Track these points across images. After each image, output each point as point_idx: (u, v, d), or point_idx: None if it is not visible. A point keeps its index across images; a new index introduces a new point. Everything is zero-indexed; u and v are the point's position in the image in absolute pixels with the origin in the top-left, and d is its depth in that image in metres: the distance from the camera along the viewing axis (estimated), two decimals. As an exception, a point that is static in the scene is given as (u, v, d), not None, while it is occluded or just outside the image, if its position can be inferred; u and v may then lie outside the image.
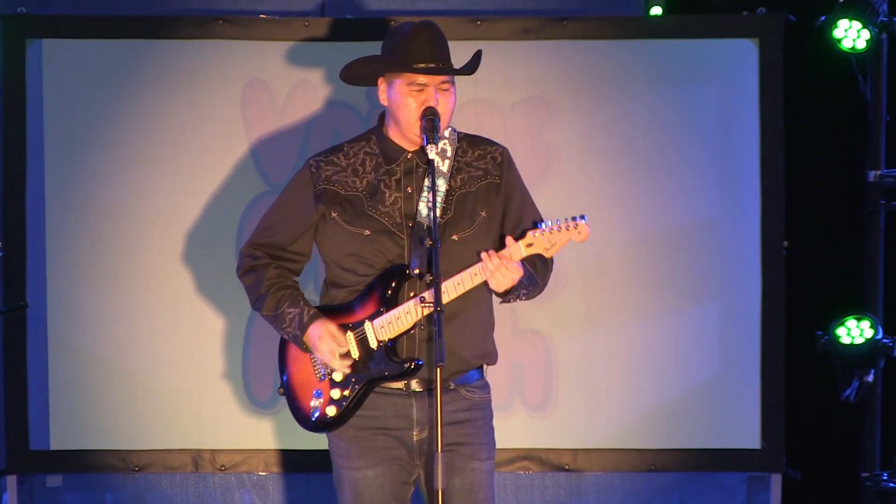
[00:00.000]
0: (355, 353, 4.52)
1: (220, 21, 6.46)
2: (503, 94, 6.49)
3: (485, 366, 4.67)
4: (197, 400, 6.48)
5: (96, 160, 6.45)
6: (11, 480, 6.47)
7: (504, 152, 4.65)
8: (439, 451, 4.25)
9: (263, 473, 6.55)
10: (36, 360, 6.45)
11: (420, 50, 4.46)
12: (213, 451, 6.50)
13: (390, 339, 4.50)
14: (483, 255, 4.43)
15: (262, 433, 6.50)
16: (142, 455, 6.48)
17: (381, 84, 4.57)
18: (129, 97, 6.44)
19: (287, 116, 6.49)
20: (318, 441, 6.46)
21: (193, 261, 6.48)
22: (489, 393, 4.68)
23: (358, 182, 4.58)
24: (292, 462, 6.51)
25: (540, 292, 4.65)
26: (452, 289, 4.46)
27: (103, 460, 6.47)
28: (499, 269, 4.42)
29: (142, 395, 6.46)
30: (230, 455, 6.50)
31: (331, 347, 4.51)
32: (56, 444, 6.46)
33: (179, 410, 6.48)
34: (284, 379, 4.66)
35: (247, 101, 6.48)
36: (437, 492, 4.26)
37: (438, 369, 4.24)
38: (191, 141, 6.47)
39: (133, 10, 6.56)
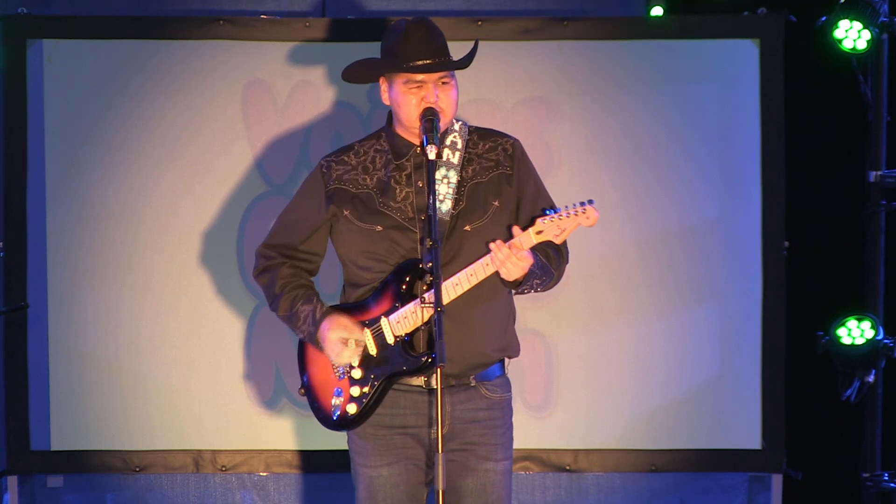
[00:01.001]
0: (373, 350, 4.52)
1: (221, 21, 6.46)
2: (504, 94, 6.49)
3: (506, 359, 4.67)
4: (197, 400, 6.48)
5: (97, 160, 6.45)
6: (12, 481, 6.46)
7: (515, 144, 4.65)
8: (440, 451, 4.24)
9: (264, 474, 6.55)
10: (37, 361, 6.44)
11: (414, 47, 4.47)
12: (213, 451, 6.50)
13: (407, 334, 4.50)
14: (492, 245, 4.42)
15: (262, 433, 6.50)
16: (143, 455, 6.48)
17: (382, 84, 4.59)
18: (129, 97, 6.44)
19: (288, 117, 6.49)
20: (320, 441, 6.48)
21: (195, 261, 6.48)
22: (510, 391, 4.68)
23: (368, 179, 4.59)
24: (293, 462, 6.51)
25: (556, 283, 4.63)
26: (465, 280, 4.45)
27: (104, 461, 6.47)
28: (508, 258, 4.40)
29: (142, 396, 6.46)
30: (231, 455, 6.50)
31: (340, 335, 4.50)
32: (57, 444, 6.46)
33: (180, 411, 6.48)
34: (305, 380, 4.66)
35: (248, 102, 6.48)
36: (438, 492, 4.26)
37: (439, 370, 4.24)
38: (192, 141, 6.47)
39: (134, 11, 6.56)
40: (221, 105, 6.46)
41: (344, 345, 4.50)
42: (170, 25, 6.46)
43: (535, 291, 4.58)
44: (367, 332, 4.52)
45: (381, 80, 4.58)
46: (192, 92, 6.46)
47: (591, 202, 4.42)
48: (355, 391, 4.53)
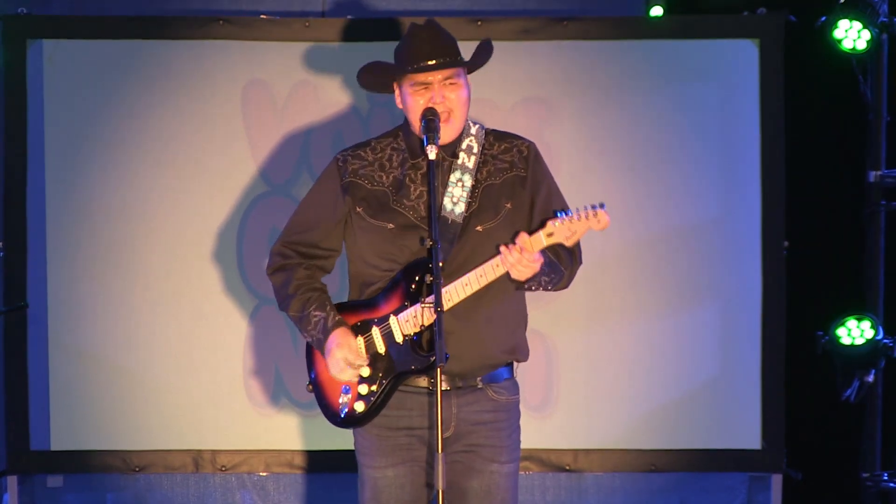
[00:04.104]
0: (381, 348, 4.52)
1: (221, 21, 6.46)
2: (503, 94, 6.49)
3: (515, 363, 4.67)
4: (197, 400, 6.48)
5: (97, 160, 6.45)
6: (12, 481, 6.47)
7: (531, 147, 4.66)
8: (440, 451, 4.24)
9: (264, 474, 6.55)
10: (36, 361, 6.45)
11: (418, 49, 4.49)
12: (213, 451, 6.50)
13: (415, 333, 4.50)
14: (502, 248, 4.43)
15: (262, 433, 6.50)
16: (142, 455, 6.48)
17: (396, 89, 4.60)
18: (129, 97, 6.45)
19: (287, 117, 6.49)
20: (320, 441, 6.49)
21: (194, 261, 6.48)
22: (517, 393, 4.66)
23: (385, 177, 4.59)
24: (293, 462, 6.51)
25: (566, 283, 4.63)
26: (475, 280, 4.46)
27: (104, 460, 6.47)
28: (519, 262, 4.42)
29: (142, 396, 6.47)
30: (231, 455, 6.50)
31: (346, 356, 4.50)
32: (57, 444, 6.46)
33: (180, 411, 6.48)
34: (313, 376, 4.65)
35: (247, 102, 6.48)
36: (438, 492, 4.26)
37: (438, 369, 4.24)
38: (191, 141, 6.47)
39: (134, 11, 6.57)
40: (221, 105, 6.47)
41: (348, 365, 4.51)
42: (170, 25, 6.46)
43: (545, 289, 4.58)
44: (377, 329, 4.53)
45: (395, 85, 4.60)
46: (191, 92, 6.46)
47: (602, 206, 4.42)
48: (363, 389, 4.54)
